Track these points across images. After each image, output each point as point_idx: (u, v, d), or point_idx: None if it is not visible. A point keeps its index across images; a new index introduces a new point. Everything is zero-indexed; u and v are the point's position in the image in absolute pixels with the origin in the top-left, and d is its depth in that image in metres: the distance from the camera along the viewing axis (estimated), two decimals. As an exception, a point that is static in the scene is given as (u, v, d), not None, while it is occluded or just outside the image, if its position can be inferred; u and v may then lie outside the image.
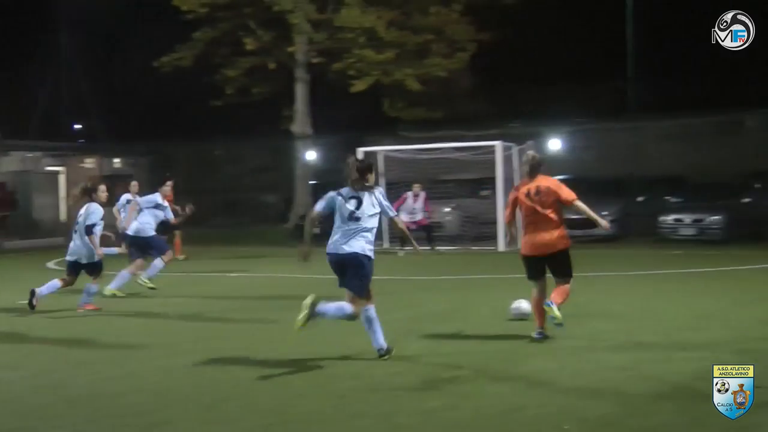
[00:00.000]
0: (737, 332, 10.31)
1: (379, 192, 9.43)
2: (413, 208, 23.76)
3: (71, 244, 13.58)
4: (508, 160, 24.89)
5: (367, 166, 9.50)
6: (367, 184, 9.37)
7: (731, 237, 23.59)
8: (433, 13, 32.08)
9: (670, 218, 24.64)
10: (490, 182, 24.69)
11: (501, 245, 23.17)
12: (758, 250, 22.14)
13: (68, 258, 13.64)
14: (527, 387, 7.87)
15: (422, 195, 23.65)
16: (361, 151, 26.10)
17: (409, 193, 23.87)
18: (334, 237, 9.40)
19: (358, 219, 9.28)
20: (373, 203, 9.31)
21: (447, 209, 26.73)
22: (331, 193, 9.52)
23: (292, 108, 33.03)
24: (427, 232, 23.82)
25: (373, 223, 9.33)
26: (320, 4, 32.11)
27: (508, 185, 24.39)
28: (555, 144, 38.89)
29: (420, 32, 32.15)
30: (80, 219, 13.49)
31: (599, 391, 7.66)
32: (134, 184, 20.12)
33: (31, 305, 13.30)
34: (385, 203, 9.44)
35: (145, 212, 15.70)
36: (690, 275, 16.59)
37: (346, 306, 9.33)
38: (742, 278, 16.32)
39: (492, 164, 24.07)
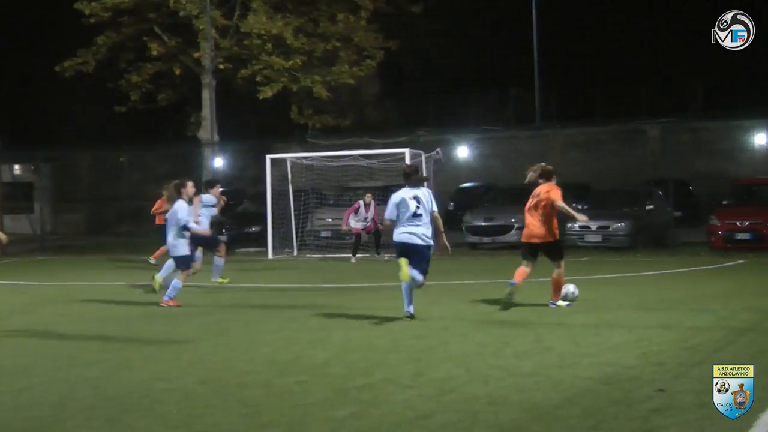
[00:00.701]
0: (642, 337, 10.53)
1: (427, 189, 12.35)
2: (365, 216, 23.76)
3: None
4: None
5: (415, 169, 13.00)
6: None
7: (636, 243, 24.12)
8: (341, 21, 32.16)
9: (577, 225, 25.04)
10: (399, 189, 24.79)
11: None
12: (661, 256, 22.71)
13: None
14: (436, 394, 7.90)
15: (372, 204, 23.58)
16: (269, 158, 25.98)
17: (361, 202, 23.78)
18: (405, 228, 12.27)
19: (419, 215, 12.29)
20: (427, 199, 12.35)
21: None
22: (396, 198, 12.42)
23: (198, 114, 32.72)
24: (376, 238, 23.93)
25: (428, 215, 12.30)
26: (227, 10, 31.94)
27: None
28: (463, 152, 39.35)
29: (328, 39, 32.20)
30: (169, 216, 14.50)
31: (507, 397, 7.73)
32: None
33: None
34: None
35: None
36: (597, 282, 16.90)
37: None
38: (646, 284, 16.68)
39: (401, 172, 24.11)
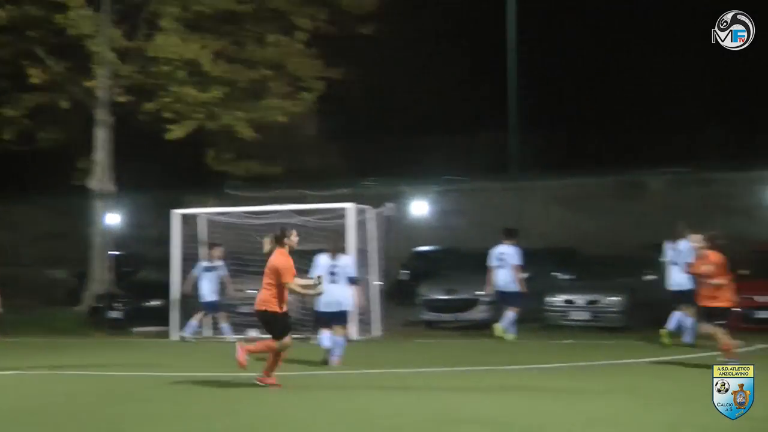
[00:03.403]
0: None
1: None
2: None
3: None
4: (362, 225, 24.97)
5: None
6: None
7: (632, 323, 24.14)
8: (272, 44, 32.24)
9: (559, 299, 25.07)
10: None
11: (353, 332, 23.11)
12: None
13: None
14: None
15: None
16: (177, 214, 25.80)
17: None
18: None
19: None
20: None
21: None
22: None
23: (89, 159, 32.43)
24: None
25: None
26: (128, 29, 31.79)
27: (363, 256, 24.48)
28: (420, 207, 39.38)
29: (255, 66, 32.21)
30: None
31: None
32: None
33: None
34: None
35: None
36: (582, 369, 16.83)
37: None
38: (644, 374, 16.65)
39: (342, 231, 24.11)
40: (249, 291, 24.96)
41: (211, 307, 24.55)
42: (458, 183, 38.60)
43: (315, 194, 31.61)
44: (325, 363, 18.32)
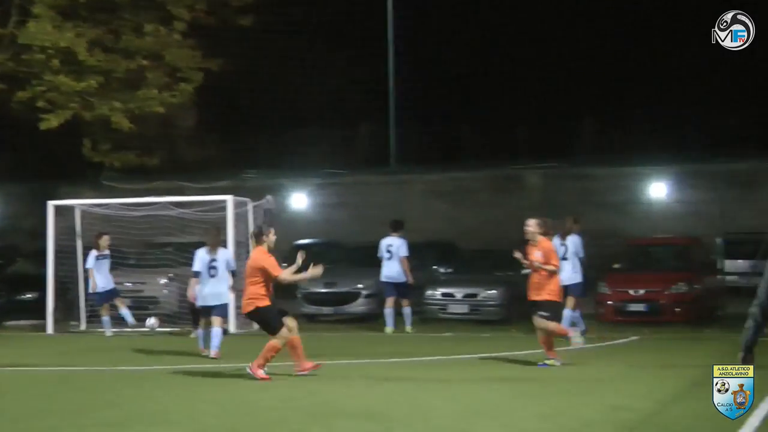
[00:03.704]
0: (515, 430, 10.65)
1: None
2: None
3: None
4: (241, 218, 24.89)
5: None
6: None
7: (510, 316, 24.49)
8: (150, 33, 31.87)
9: (438, 293, 25.31)
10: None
11: (233, 326, 23.04)
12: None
13: None
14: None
15: None
16: (52, 205, 25.42)
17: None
18: None
19: None
20: None
21: (163, 280, 26.31)
22: None
23: (-42, 149, 31.74)
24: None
25: None
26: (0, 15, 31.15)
27: (242, 249, 24.40)
28: (299, 200, 39.40)
29: (132, 56, 31.83)
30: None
31: None
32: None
33: None
34: None
35: None
36: (460, 362, 17.08)
37: None
38: (521, 366, 16.94)
39: (221, 224, 24.01)
40: (127, 284, 24.83)
41: (111, 296, 23.57)
42: (338, 176, 38.70)
43: (194, 186, 31.41)
44: (206, 356, 18.35)
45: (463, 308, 24.87)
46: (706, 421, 10.87)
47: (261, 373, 14.96)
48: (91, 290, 23.82)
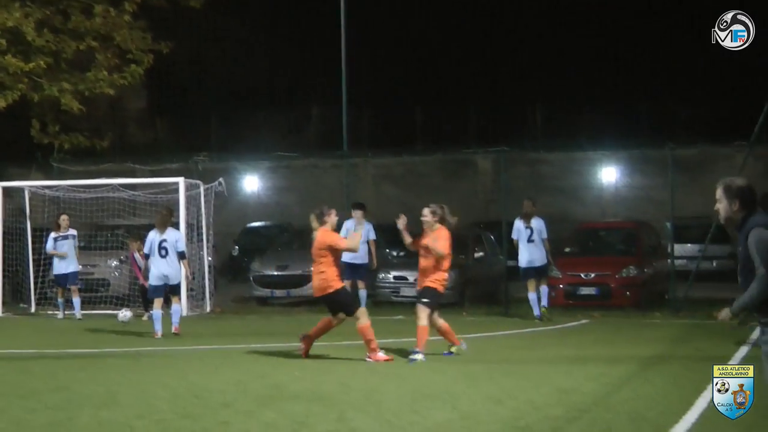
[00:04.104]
0: (466, 413, 10.70)
1: None
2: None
3: None
4: (193, 200, 24.82)
5: None
6: None
7: (461, 299, 24.60)
8: (99, 15, 31.58)
9: (391, 276, 25.36)
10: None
11: (184, 309, 22.96)
12: (492, 314, 23.25)
13: None
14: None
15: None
16: (1, 186, 25.23)
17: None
18: None
19: None
20: None
21: (114, 263, 26.24)
22: None
23: None
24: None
25: None
26: (-54, -5, 30.74)
27: (193, 231, 24.36)
28: (252, 183, 39.32)
29: (81, 37, 31.53)
30: None
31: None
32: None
33: None
34: None
35: None
36: (412, 345, 17.11)
37: None
38: (473, 349, 17.02)
39: (172, 206, 23.91)
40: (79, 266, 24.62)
41: (69, 279, 23.11)
42: (289, 159, 38.58)
43: (144, 168, 31.22)
44: (162, 336, 18.74)
45: (414, 291, 24.84)
46: (655, 404, 10.99)
47: (381, 354, 15.07)
48: (55, 272, 23.70)
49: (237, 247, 34.44)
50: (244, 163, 38.22)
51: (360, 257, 22.86)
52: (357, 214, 22.03)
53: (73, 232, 23.36)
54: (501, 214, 26.35)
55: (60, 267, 23.16)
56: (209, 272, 25.19)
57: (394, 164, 38.84)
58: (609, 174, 37.19)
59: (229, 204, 31.52)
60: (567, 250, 25.92)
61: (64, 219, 23.39)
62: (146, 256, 19.82)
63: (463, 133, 42.30)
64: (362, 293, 23.20)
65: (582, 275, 24.31)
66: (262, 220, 36.68)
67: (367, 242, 22.97)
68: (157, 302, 19.07)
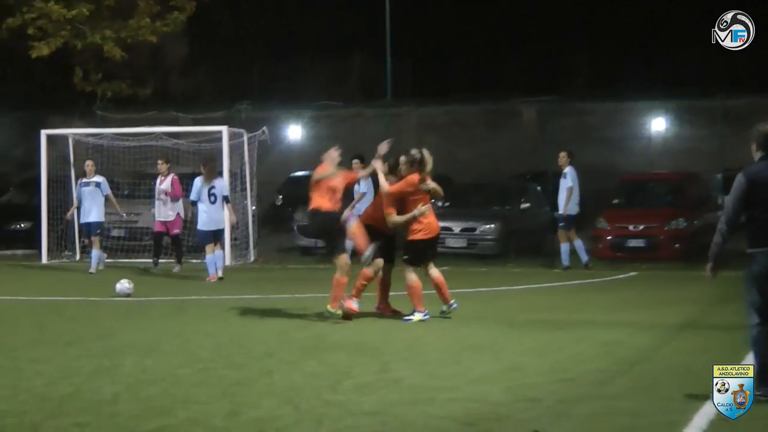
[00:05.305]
0: (510, 365, 10.70)
1: None
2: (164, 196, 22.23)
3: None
4: (236, 149, 24.87)
5: None
6: None
7: (507, 250, 24.55)
8: (141, -39, 31.58)
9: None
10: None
11: (228, 259, 23.07)
12: (537, 267, 23.16)
13: None
14: (256, 438, 7.84)
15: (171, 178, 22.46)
16: (45, 134, 25.39)
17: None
18: None
19: None
20: None
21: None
22: None
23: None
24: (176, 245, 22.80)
25: None
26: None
27: (236, 180, 24.46)
28: (295, 132, 39.32)
29: (124, -16, 31.57)
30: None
31: (345, 441, 7.74)
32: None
33: None
34: None
35: None
36: (457, 297, 17.10)
37: None
38: (518, 300, 17.01)
39: (216, 154, 23.98)
40: (121, 215, 24.68)
41: (91, 229, 22.39)
42: (332, 108, 38.51)
43: (187, 117, 31.27)
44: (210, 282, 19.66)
45: (461, 242, 24.83)
46: (702, 358, 10.93)
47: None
48: (68, 218, 23.91)
49: (280, 196, 34.42)
50: (287, 111, 38.21)
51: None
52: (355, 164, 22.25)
53: (98, 179, 22.56)
54: (546, 164, 26.20)
55: (83, 215, 22.60)
56: (253, 222, 25.29)
57: (437, 114, 38.65)
58: (658, 124, 36.81)
59: (272, 153, 31.54)
60: (614, 201, 25.75)
61: (88, 164, 22.81)
62: (193, 203, 20.45)
63: (507, 82, 42.02)
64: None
65: (630, 227, 24.15)
66: (306, 170, 36.62)
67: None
68: (209, 247, 20.09)
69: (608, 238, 24.04)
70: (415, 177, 14.39)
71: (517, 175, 31.65)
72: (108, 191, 22.59)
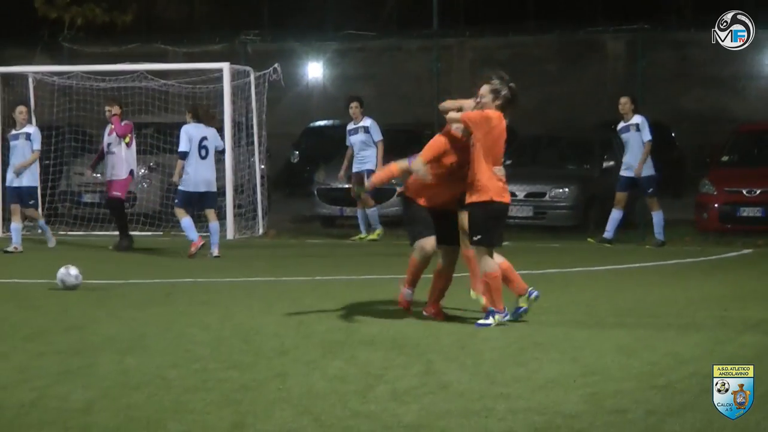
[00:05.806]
0: (590, 368, 10.70)
1: None
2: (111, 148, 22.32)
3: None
4: (240, 92, 24.94)
5: None
6: None
7: (586, 221, 24.50)
8: None
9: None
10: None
11: (230, 232, 23.21)
12: (625, 241, 23.13)
13: None
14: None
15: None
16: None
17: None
18: None
19: None
20: None
21: (141, 171, 26.39)
22: None
23: None
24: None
25: None
26: None
27: (240, 132, 24.51)
28: (315, 70, 39.35)
29: None
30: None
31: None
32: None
33: None
34: None
35: None
36: (523, 279, 17.13)
37: None
38: (600, 285, 16.99)
39: (217, 98, 24.07)
40: (95, 175, 24.78)
41: (23, 197, 21.98)
42: (364, 40, 38.47)
43: (179, 51, 31.38)
44: (190, 257, 19.60)
45: (526, 211, 24.84)
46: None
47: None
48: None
49: (297, 152, 34.62)
50: (305, 44, 38.21)
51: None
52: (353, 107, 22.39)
53: (28, 129, 22.03)
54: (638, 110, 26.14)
55: (10, 178, 22.14)
56: (261, 185, 25.33)
57: (498, 47, 38.57)
58: (780, 61, 36.69)
59: (286, 97, 31.62)
60: (723, 158, 25.63)
61: (19, 111, 22.15)
62: (181, 155, 19.98)
63: (586, 6, 41.89)
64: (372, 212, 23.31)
65: (744, 191, 24.03)
66: (329, 118, 36.71)
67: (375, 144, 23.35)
68: (183, 211, 19.94)
69: (715, 205, 23.96)
70: (497, 115, 13.28)
71: (599, 125, 31.53)
72: (38, 146, 21.90)
